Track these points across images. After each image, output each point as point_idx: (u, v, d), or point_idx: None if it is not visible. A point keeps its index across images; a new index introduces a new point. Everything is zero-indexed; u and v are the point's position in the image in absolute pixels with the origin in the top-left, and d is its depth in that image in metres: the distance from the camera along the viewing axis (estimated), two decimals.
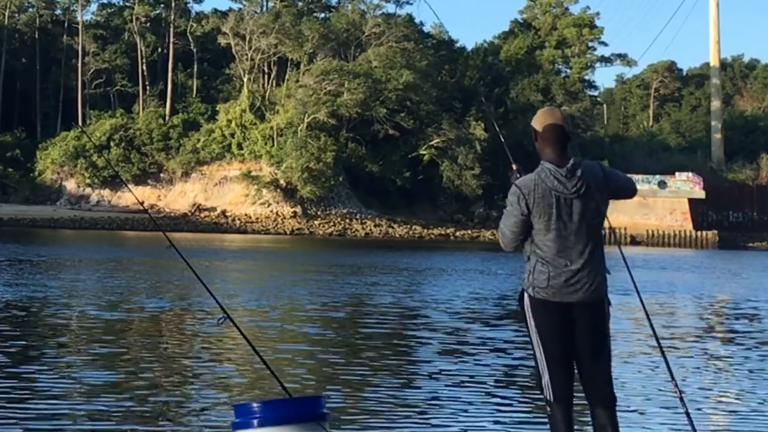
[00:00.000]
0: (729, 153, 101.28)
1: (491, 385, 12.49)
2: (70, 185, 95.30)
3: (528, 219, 6.34)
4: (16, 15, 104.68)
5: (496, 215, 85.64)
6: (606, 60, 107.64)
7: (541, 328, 6.38)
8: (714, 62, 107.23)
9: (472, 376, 13.14)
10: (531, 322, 6.43)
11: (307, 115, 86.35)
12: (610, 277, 6.49)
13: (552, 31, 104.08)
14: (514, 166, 6.58)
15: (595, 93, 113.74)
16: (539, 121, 6.51)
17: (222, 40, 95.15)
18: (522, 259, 6.55)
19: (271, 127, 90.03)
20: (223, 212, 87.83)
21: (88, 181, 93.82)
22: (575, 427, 6.44)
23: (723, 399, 12.18)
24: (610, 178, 6.50)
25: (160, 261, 35.61)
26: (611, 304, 6.52)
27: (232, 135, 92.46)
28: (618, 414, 6.47)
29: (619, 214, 75.00)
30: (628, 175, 6.97)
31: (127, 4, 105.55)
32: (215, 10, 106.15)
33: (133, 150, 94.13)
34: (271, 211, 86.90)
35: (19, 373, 12.47)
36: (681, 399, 6.48)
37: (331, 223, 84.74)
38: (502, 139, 7.35)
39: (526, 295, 6.45)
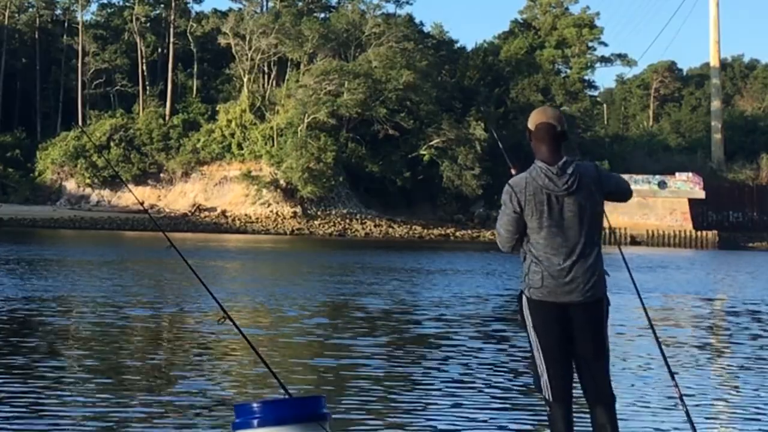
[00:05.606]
0: (729, 153, 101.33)
1: (493, 387, 12.49)
2: (70, 185, 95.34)
3: (521, 217, 6.38)
4: (16, 15, 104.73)
5: (496, 215, 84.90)
6: (606, 60, 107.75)
7: (539, 329, 6.39)
8: (714, 62, 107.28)
9: (473, 377, 13.14)
10: (529, 323, 6.45)
11: (307, 115, 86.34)
12: (611, 277, 6.48)
13: (552, 31, 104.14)
14: (513, 171, 6.61)
15: (595, 93, 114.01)
16: (532, 120, 6.57)
17: (222, 40, 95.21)
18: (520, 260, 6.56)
19: (271, 127, 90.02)
20: (223, 212, 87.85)
21: (88, 181, 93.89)
22: (575, 426, 6.45)
23: (723, 399, 12.18)
24: (605, 178, 6.50)
25: (160, 261, 35.60)
26: (610, 303, 6.51)
27: (232, 135, 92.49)
28: (617, 413, 6.47)
29: (619, 214, 75.02)
30: (625, 177, 6.96)
31: (127, 4, 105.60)
32: (215, 10, 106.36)
33: (133, 150, 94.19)
34: (271, 211, 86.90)
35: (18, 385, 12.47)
36: (681, 398, 6.48)
37: (331, 223, 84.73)
38: (500, 145, 7.39)
39: (523, 296, 6.48)
